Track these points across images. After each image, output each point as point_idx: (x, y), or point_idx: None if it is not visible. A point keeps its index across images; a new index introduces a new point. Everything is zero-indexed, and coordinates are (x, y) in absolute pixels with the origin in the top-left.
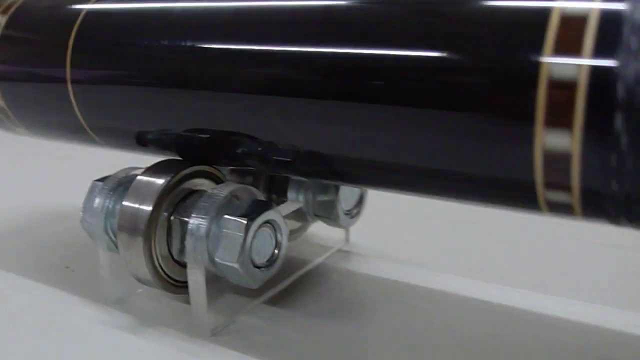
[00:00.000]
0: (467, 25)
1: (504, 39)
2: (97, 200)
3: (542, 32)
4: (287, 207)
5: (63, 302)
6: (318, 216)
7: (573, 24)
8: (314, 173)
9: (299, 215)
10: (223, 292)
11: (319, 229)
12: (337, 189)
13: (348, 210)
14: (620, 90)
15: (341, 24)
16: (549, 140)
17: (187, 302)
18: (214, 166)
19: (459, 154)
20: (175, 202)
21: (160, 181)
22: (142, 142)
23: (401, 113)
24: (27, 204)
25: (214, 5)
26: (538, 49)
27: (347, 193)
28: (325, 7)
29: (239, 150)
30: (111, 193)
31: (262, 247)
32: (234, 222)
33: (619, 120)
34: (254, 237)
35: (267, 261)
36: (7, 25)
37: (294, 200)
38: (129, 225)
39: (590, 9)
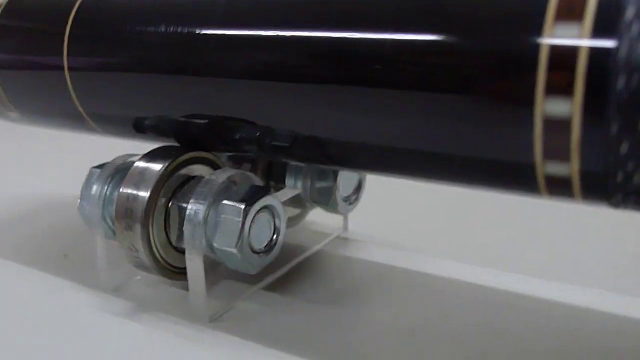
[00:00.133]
0: (464, 5)
1: (502, 18)
2: (94, 188)
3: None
4: (286, 194)
5: (61, 290)
6: (316, 203)
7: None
8: (313, 158)
9: (297, 202)
10: (222, 278)
11: (317, 217)
12: (335, 175)
13: (347, 197)
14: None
15: (338, 7)
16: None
17: (186, 288)
18: (212, 153)
19: (459, 137)
20: (173, 188)
21: (157, 167)
22: (140, 128)
23: (399, 96)
24: (25, 193)
25: None
26: (538, 27)
27: (346, 180)
28: None
29: (237, 136)
30: (109, 180)
31: (261, 232)
32: (232, 208)
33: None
34: (252, 222)
35: (266, 247)
36: (4, 14)
37: (292, 187)
38: (127, 212)
39: None
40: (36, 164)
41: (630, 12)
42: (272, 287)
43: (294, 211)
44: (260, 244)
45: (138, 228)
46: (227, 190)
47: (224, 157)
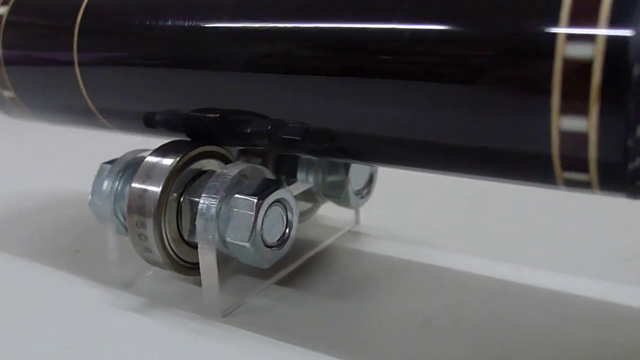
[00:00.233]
0: None
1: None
2: (105, 183)
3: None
4: (297, 188)
5: (73, 286)
6: (328, 197)
7: None
8: (324, 151)
9: (308, 196)
10: (234, 273)
11: (328, 211)
12: (346, 169)
13: (358, 190)
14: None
15: None
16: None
17: (198, 283)
18: (223, 146)
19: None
20: (184, 182)
21: (168, 162)
22: (150, 123)
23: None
24: (36, 189)
25: None
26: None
27: (357, 173)
28: None
29: (248, 129)
30: (120, 175)
31: (273, 226)
32: (245, 201)
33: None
34: (264, 216)
35: (278, 241)
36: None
37: (304, 181)
38: (139, 207)
39: None
40: (47, 159)
41: None
42: (284, 282)
43: (305, 205)
44: (272, 237)
45: (150, 223)
46: (238, 184)
47: (234, 151)
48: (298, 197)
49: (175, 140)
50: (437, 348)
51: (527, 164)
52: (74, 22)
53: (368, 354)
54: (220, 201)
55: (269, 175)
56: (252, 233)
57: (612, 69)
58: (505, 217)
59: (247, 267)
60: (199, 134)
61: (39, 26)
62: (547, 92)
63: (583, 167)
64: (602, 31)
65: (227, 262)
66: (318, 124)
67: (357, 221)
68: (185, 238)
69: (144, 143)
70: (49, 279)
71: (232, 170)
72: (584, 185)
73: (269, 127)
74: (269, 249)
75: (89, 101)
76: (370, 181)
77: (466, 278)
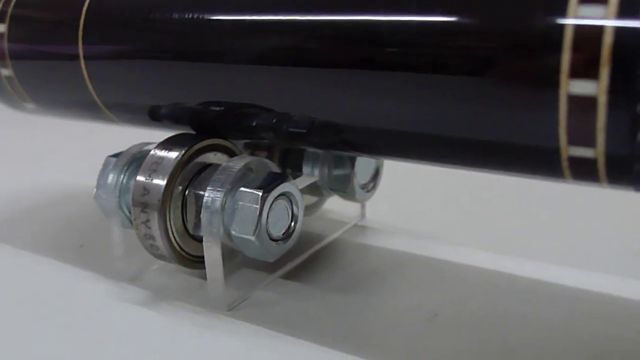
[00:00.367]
0: None
1: None
2: (110, 176)
3: None
4: (303, 181)
5: (78, 280)
6: (334, 190)
7: None
8: (330, 144)
9: (314, 189)
10: (239, 267)
11: (334, 205)
12: (352, 162)
13: (364, 184)
14: None
15: None
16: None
17: (203, 277)
18: (228, 140)
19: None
20: (189, 176)
21: (174, 155)
22: (155, 116)
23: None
24: (40, 183)
25: None
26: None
27: (363, 166)
28: None
29: (254, 123)
30: (125, 168)
31: (279, 219)
32: (250, 194)
33: None
34: (270, 209)
35: (284, 234)
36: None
37: (309, 175)
38: (144, 200)
39: None
40: (52, 154)
41: None
42: (289, 275)
43: (310, 199)
44: (278, 231)
45: (155, 216)
46: (244, 177)
47: (240, 144)
48: (304, 191)
49: (180, 134)
50: (442, 342)
51: (534, 156)
52: (79, 15)
53: (374, 348)
54: (225, 194)
55: (275, 168)
56: (257, 226)
57: (624, 33)
58: (511, 210)
59: (252, 260)
60: (204, 127)
61: (45, 20)
62: (558, 52)
63: (590, 140)
64: None
65: (232, 256)
66: (324, 116)
67: (363, 215)
68: (191, 231)
69: (149, 136)
70: (55, 273)
71: (238, 164)
72: (589, 165)
73: (275, 120)
74: (274, 242)
75: (94, 94)
76: (376, 175)
77: (472, 272)
